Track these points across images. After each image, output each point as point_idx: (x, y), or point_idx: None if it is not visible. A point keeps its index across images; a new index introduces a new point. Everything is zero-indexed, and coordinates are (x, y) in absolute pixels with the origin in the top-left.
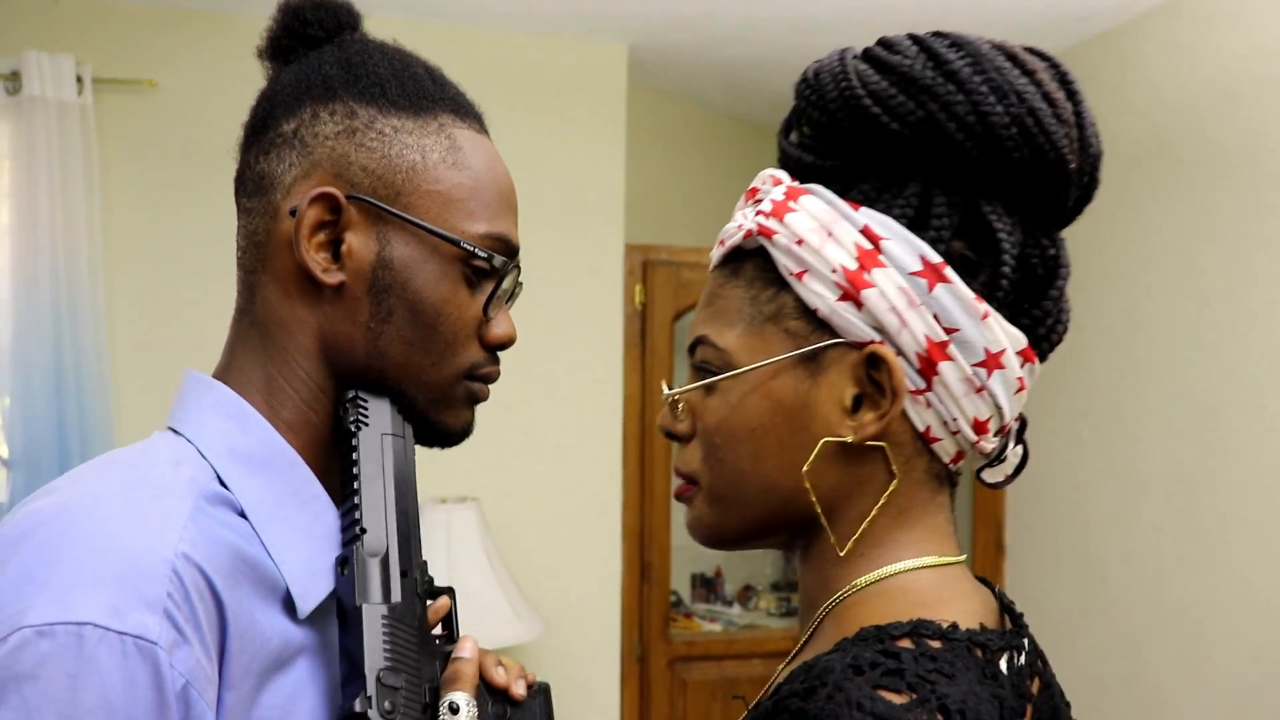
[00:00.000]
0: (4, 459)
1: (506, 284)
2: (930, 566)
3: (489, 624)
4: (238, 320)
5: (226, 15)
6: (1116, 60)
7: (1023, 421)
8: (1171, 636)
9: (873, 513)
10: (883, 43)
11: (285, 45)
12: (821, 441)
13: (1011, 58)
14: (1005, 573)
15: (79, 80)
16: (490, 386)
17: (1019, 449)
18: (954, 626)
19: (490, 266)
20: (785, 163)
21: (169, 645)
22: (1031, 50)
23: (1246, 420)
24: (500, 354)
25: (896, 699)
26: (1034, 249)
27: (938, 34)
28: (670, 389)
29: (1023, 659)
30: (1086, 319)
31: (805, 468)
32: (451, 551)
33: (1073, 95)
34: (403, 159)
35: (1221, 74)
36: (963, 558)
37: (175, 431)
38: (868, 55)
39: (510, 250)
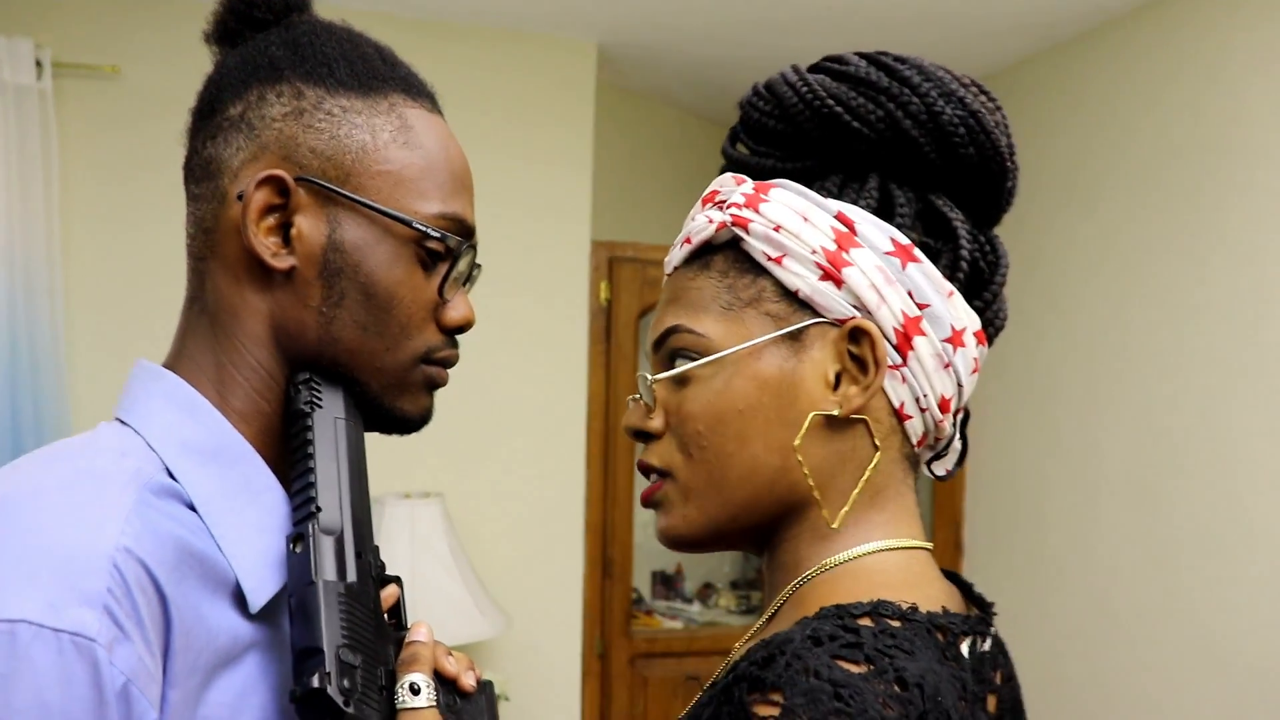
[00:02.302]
0: None
1: (462, 265)
2: (898, 549)
3: (452, 620)
4: (188, 308)
5: (190, 2)
6: (1081, 66)
7: (966, 414)
8: (1125, 636)
9: (860, 484)
10: (831, 59)
11: (232, 29)
12: (811, 414)
13: (947, 72)
14: (963, 571)
15: (38, 64)
16: (454, 382)
17: (958, 444)
18: (914, 608)
19: (445, 248)
20: (739, 168)
21: (108, 642)
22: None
23: (1202, 425)
24: (464, 347)
25: (854, 669)
26: (977, 246)
27: (880, 53)
28: (649, 379)
29: (986, 645)
30: (1047, 323)
31: (797, 441)
32: (415, 547)
33: (999, 109)
34: (352, 139)
35: (1186, 81)
36: (928, 544)
37: (123, 422)
38: (820, 69)
39: (465, 230)
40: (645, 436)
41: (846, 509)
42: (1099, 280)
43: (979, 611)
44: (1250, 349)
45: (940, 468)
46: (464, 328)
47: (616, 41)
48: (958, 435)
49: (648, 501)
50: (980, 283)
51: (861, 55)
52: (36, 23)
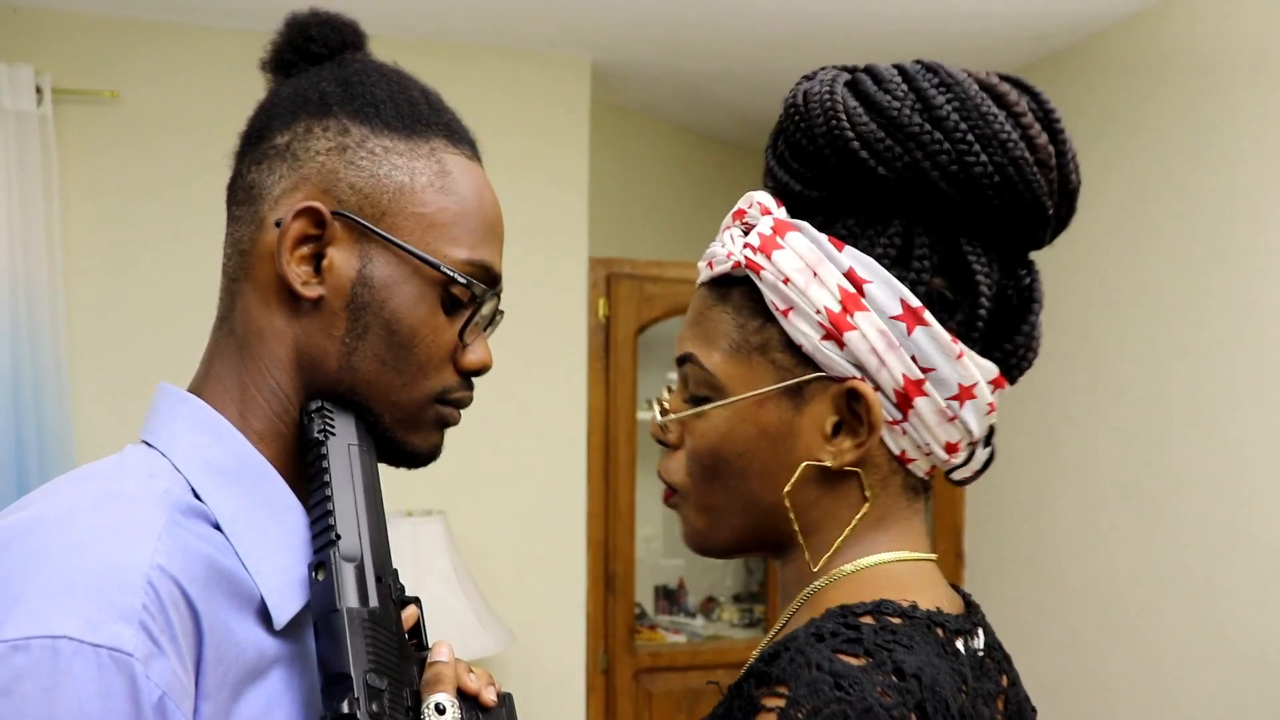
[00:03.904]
0: None
1: (484, 312)
2: (902, 560)
3: (456, 636)
4: (217, 328)
5: (189, 27)
6: (1071, 78)
7: (990, 428)
8: (1127, 643)
9: (845, 532)
10: (872, 73)
11: (288, 60)
12: (803, 465)
13: (998, 98)
14: (964, 581)
15: (38, 91)
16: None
17: (982, 454)
18: (914, 606)
19: (469, 293)
20: (771, 181)
21: (145, 657)
22: (1016, 83)
23: (1200, 429)
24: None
25: (854, 661)
26: (1010, 280)
27: (927, 68)
28: (664, 403)
29: (978, 643)
30: (1047, 329)
31: (786, 489)
32: (418, 564)
33: (1056, 134)
34: (391, 179)
35: (1175, 90)
36: (933, 556)
37: (148, 445)
38: (857, 89)
39: (491, 279)
40: (666, 444)
41: (828, 555)
42: (1094, 288)
43: (969, 613)
44: (1246, 351)
45: (961, 474)
46: (480, 371)
47: (611, 59)
48: (981, 447)
49: (668, 504)
50: (1010, 324)
51: (904, 76)
52: (36, 49)
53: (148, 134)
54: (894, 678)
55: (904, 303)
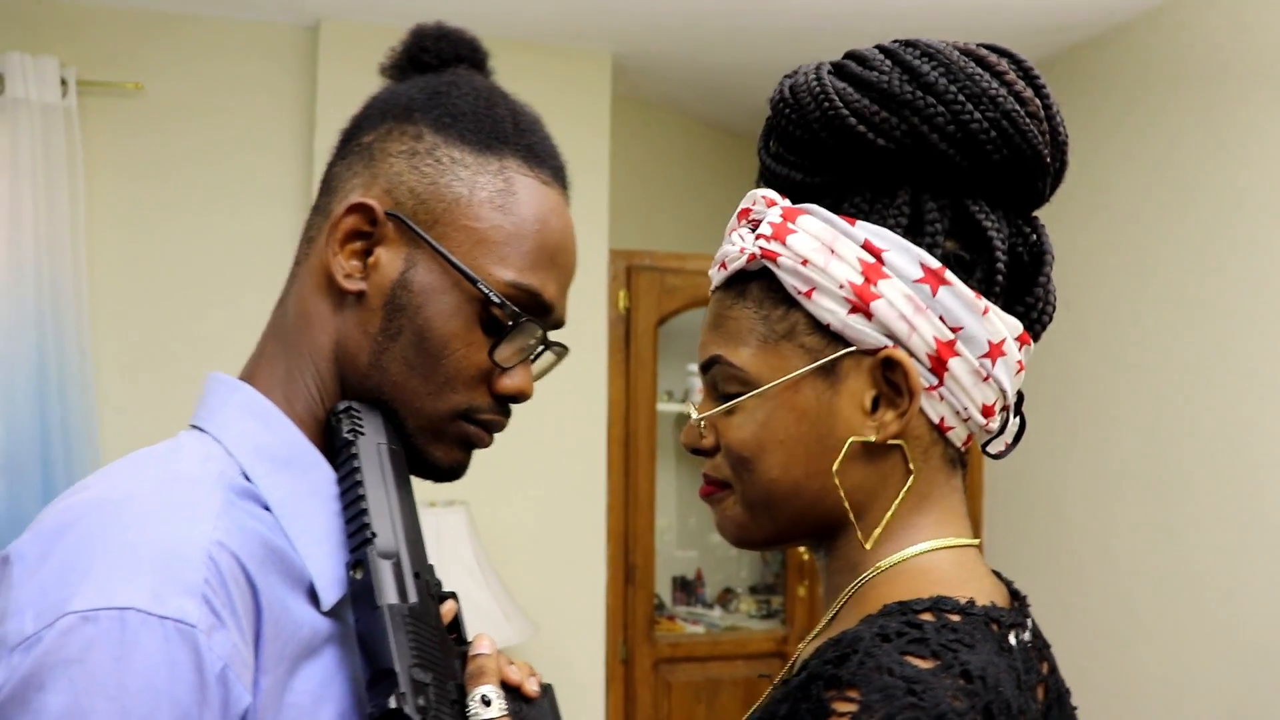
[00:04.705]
0: None
1: (520, 338)
2: (947, 548)
3: (478, 627)
4: (276, 308)
5: (212, 19)
6: (1093, 70)
7: (1020, 396)
8: (1145, 631)
9: (893, 507)
10: (854, 57)
11: (401, 65)
12: (849, 441)
13: (979, 61)
14: None
15: (63, 83)
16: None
17: (1016, 421)
18: (971, 602)
19: (507, 316)
20: (770, 179)
21: (207, 629)
22: (992, 48)
23: (1217, 419)
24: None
25: (923, 664)
26: (1019, 238)
27: (906, 44)
28: (695, 412)
29: (1027, 635)
30: (1060, 322)
31: (835, 466)
32: (440, 555)
33: (1039, 90)
34: (450, 190)
35: (1193, 83)
36: (976, 541)
37: (201, 430)
38: (843, 72)
39: (537, 306)
40: (701, 452)
41: (879, 530)
42: (1110, 278)
43: (1017, 604)
44: (1261, 343)
45: (996, 446)
46: (516, 398)
47: (631, 52)
48: (1013, 416)
49: (705, 498)
50: (1025, 280)
51: (887, 53)
52: (61, 42)
53: (171, 125)
54: (962, 680)
55: (924, 265)
